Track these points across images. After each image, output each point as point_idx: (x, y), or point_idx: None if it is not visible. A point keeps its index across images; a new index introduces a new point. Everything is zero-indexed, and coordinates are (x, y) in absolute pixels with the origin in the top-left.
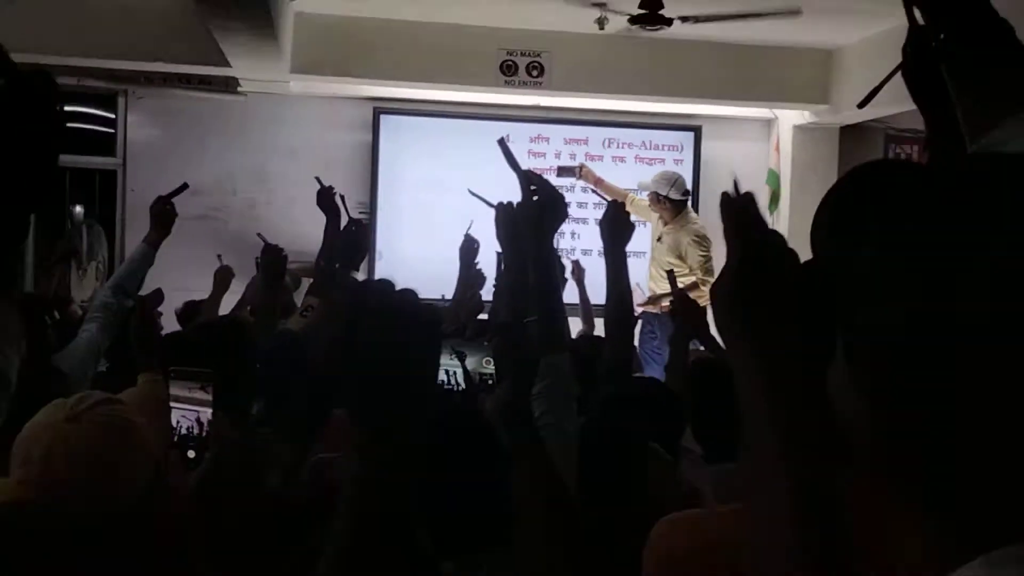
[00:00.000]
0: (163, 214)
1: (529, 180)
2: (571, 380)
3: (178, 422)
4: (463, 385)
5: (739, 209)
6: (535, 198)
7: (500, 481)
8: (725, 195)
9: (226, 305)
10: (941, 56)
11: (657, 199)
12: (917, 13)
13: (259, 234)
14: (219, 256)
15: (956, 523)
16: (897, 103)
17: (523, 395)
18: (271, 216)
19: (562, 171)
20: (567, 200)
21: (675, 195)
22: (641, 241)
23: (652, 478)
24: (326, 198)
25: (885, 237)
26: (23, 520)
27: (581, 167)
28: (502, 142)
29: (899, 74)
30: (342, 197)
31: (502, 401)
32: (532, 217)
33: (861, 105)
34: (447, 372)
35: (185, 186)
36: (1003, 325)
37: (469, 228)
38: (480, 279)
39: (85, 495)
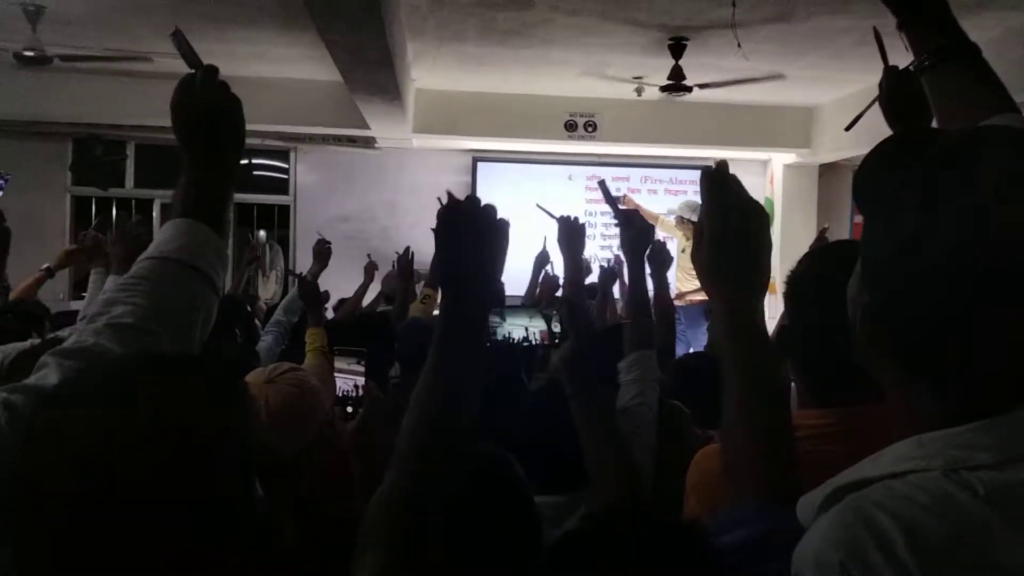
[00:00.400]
0: (323, 252)
1: (625, 215)
2: (657, 370)
3: (340, 387)
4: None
5: (714, 178)
6: (629, 228)
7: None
8: (704, 168)
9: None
10: (922, 71)
11: (683, 221)
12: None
13: (408, 247)
14: (368, 255)
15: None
16: (863, 146)
17: (581, 351)
18: (399, 236)
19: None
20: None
21: (696, 218)
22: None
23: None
24: (321, 248)
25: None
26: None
27: (623, 197)
28: (602, 183)
29: (871, 110)
30: None
31: (565, 354)
32: (628, 243)
33: (848, 128)
34: (527, 330)
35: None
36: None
37: (544, 244)
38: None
39: (279, 436)
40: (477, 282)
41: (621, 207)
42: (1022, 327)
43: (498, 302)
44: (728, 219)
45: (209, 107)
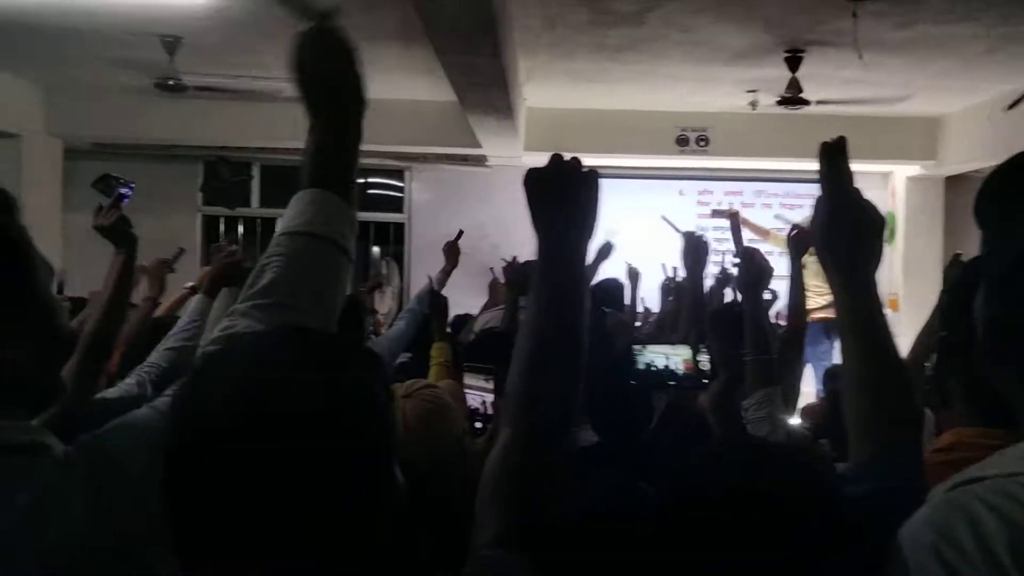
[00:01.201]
0: (453, 250)
1: (747, 252)
2: (783, 407)
3: (469, 403)
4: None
5: (832, 154)
6: (750, 266)
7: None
8: (824, 143)
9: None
10: None
11: None
12: None
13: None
14: (491, 269)
15: None
16: (994, 157)
17: (732, 392)
18: (509, 253)
19: (716, 213)
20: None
21: None
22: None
23: None
24: (451, 247)
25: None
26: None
27: (733, 212)
28: (734, 216)
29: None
30: None
31: (716, 395)
32: (747, 284)
33: (1010, 107)
34: (667, 358)
35: (461, 232)
36: None
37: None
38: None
39: (415, 449)
40: (569, 238)
41: (743, 235)
42: None
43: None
44: (847, 190)
45: (328, 66)
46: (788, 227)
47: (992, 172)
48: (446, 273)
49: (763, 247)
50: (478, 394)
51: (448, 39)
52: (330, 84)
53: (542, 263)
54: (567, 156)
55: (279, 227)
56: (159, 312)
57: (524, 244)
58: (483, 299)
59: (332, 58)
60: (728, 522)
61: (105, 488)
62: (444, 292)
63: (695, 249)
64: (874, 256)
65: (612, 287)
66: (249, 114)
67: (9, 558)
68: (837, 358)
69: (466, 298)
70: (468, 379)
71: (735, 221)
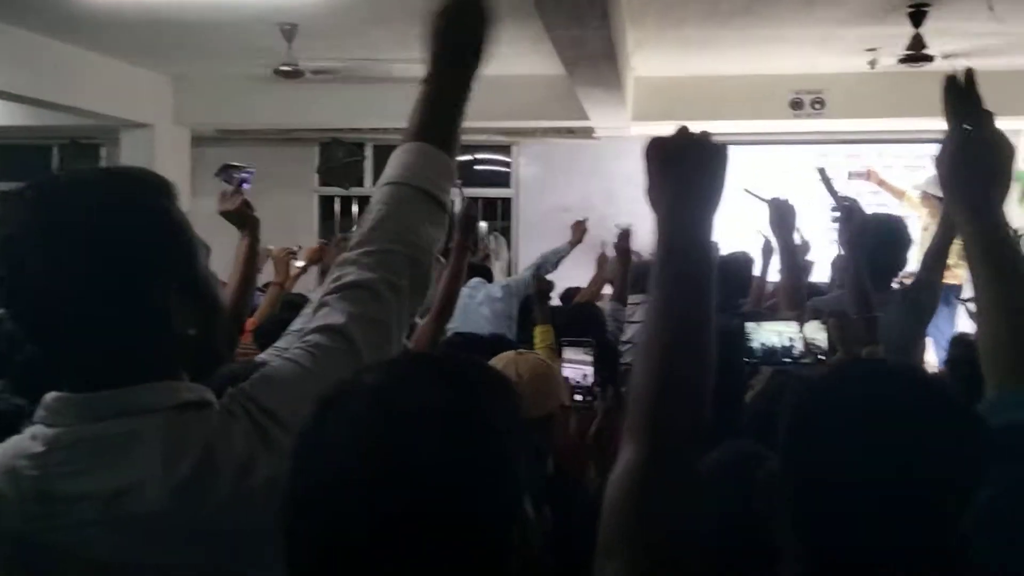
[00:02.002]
0: (580, 227)
1: (847, 209)
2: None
3: (570, 376)
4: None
5: (959, 89)
6: (850, 221)
7: None
8: (950, 77)
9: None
10: None
11: (927, 197)
12: None
13: (616, 224)
14: (603, 243)
15: None
16: None
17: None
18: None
19: (852, 175)
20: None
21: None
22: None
23: None
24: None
25: None
26: None
27: (869, 171)
28: (822, 171)
29: None
30: None
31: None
32: (848, 237)
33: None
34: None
35: (586, 219)
36: None
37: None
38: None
39: (529, 398)
40: (695, 219)
41: (866, 181)
42: None
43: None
44: (973, 124)
45: (461, 24)
46: (920, 190)
47: None
48: (572, 245)
49: (899, 210)
50: (578, 367)
51: (556, 13)
52: (458, 41)
53: (665, 249)
54: (694, 129)
55: (383, 177)
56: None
57: (632, 215)
58: (591, 273)
59: (467, 16)
60: (857, 439)
61: (264, 429)
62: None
63: (782, 216)
64: (1003, 185)
65: (741, 262)
66: (362, 96)
67: (201, 496)
68: (958, 326)
69: (574, 271)
70: (567, 353)
71: (824, 176)
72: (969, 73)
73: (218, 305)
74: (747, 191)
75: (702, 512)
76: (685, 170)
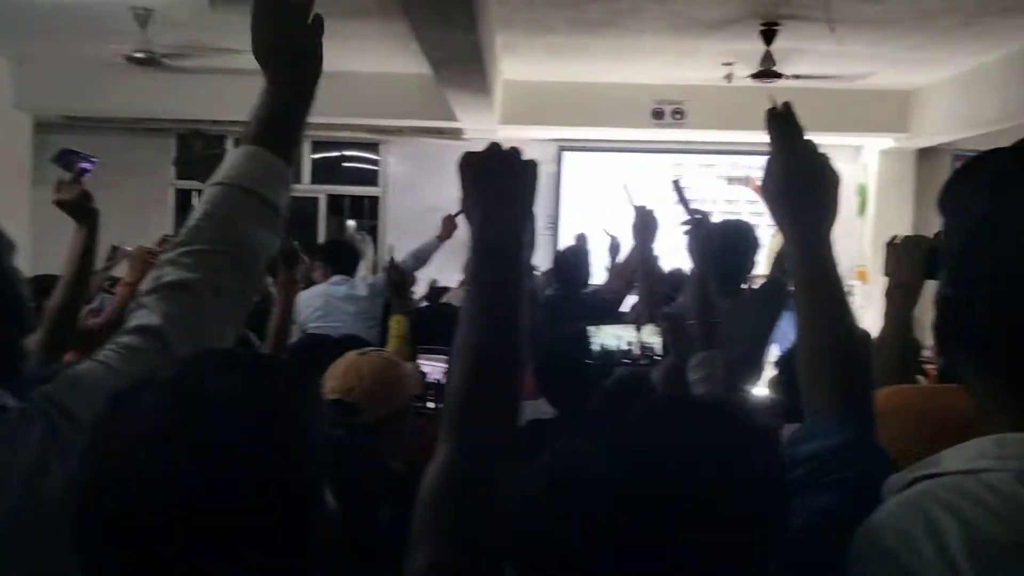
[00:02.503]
0: (451, 222)
1: (697, 220)
2: (723, 367)
3: (430, 373)
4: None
5: (780, 118)
6: (699, 231)
7: None
8: (770, 109)
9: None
10: None
11: None
12: None
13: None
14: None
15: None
16: (963, 130)
17: (683, 366)
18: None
19: (732, 180)
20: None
21: None
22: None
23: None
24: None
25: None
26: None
27: (749, 178)
28: (676, 183)
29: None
30: None
31: (665, 371)
32: (697, 246)
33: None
34: (629, 344)
35: (460, 212)
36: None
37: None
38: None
39: (369, 397)
40: (507, 227)
41: (732, 193)
42: None
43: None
44: (796, 153)
45: (290, 32)
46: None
47: (959, 167)
48: (439, 240)
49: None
50: (435, 364)
51: (424, 14)
52: (290, 49)
53: (476, 257)
54: (506, 146)
55: (212, 178)
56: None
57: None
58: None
59: (294, 23)
60: (664, 479)
61: (60, 433)
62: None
63: (644, 223)
64: (829, 214)
65: (572, 256)
66: (223, 88)
67: None
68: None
69: (441, 272)
70: (423, 361)
71: (678, 188)
72: (787, 105)
73: (21, 304)
74: (625, 188)
75: (511, 510)
76: (495, 183)
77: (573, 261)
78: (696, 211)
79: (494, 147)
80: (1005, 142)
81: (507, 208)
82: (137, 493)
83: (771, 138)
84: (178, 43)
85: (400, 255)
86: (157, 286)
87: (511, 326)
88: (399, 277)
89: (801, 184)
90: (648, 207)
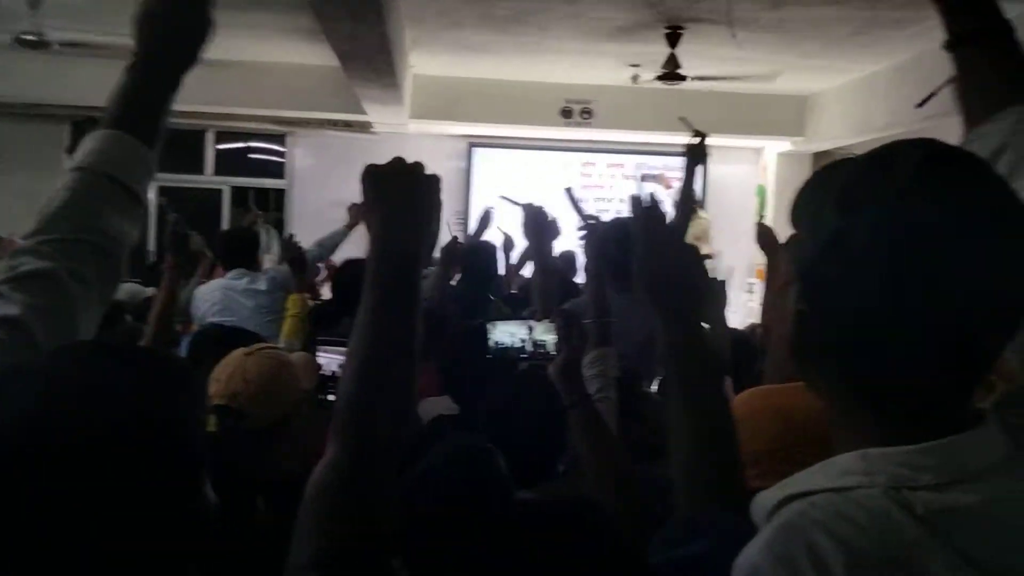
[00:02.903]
0: (358, 211)
1: (589, 225)
2: (616, 364)
3: (326, 366)
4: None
5: (645, 214)
6: (592, 236)
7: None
8: (634, 198)
9: None
10: (953, 46)
11: None
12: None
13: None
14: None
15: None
16: (857, 135)
17: (577, 362)
18: None
19: (646, 178)
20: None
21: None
22: None
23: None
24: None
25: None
26: (220, 419)
27: (662, 175)
28: (568, 191)
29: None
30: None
31: (561, 366)
32: (591, 249)
33: (919, 105)
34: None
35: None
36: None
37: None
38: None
39: (255, 402)
40: (405, 238)
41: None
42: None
43: (427, 254)
44: (663, 254)
45: (175, 14)
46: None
47: (811, 177)
48: (348, 228)
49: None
50: (336, 357)
51: (331, 6)
52: (169, 33)
53: (375, 264)
54: (410, 160)
55: (71, 162)
56: None
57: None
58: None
59: (183, 9)
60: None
61: None
62: (334, 255)
63: (535, 223)
64: (697, 301)
65: (485, 250)
66: (118, 73)
67: None
68: None
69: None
70: (321, 353)
71: (570, 195)
72: (649, 198)
73: None
74: (503, 197)
75: (397, 509)
76: (397, 196)
77: (482, 253)
78: (589, 216)
79: (397, 161)
80: None
81: (407, 220)
82: (4, 483)
83: (637, 237)
84: (71, 26)
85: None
86: (15, 275)
87: (404, 335)
88: (298, 254)
89: (674, 278)
90: (537, 205)
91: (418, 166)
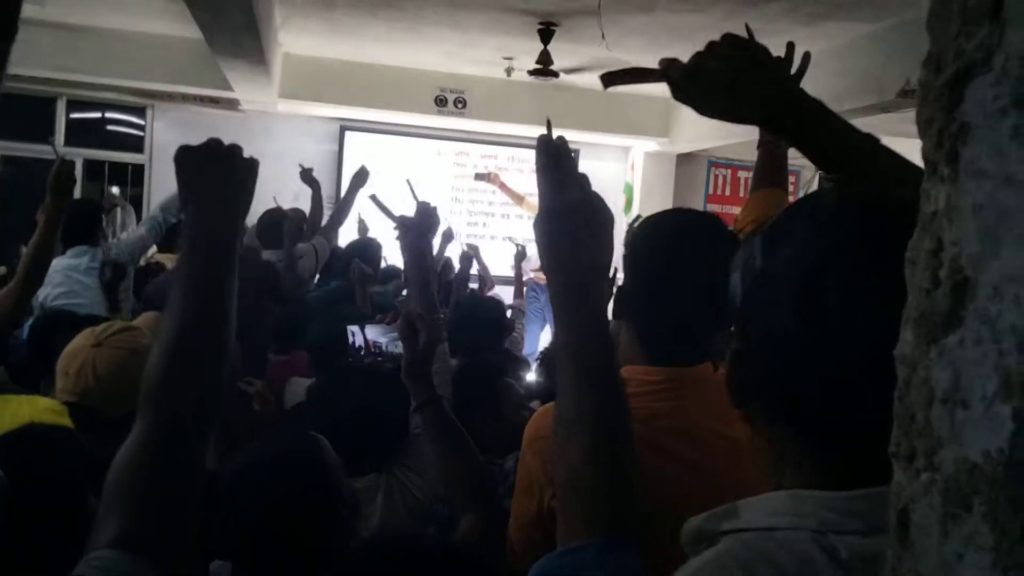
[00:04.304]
0: (310, 176)
1: (402, 222)
2: (449, 362)
3: None
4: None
5: (552, 150)
6: (407, 234)
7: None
8: (541, 136)
9: None
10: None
11: None
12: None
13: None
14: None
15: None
16: (718, 139)
17: (422, 362)
18: (261, 204)
19: (479, 176)
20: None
21: None
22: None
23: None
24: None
25: None
26: (72, 417)
27: (491, 174)
28: (374, 198)
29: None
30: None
31: (405, 366)
32: (408, 246)
33: (605, 84)
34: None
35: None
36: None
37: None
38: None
39: (106, 400)
40: (219, 222)
41: (487, 183)
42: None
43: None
44: (567, 191)
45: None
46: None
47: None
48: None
49: (518, 211)
50: None
51: None
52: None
53: (189, 243)
54: (226, 143)
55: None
56: None
57: (278, 193)
58: None
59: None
60: None
61: None
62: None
63: (423, 221)
64: (608, 252)
65: (363, 250)
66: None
67: None
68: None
69: None
70: None
71: (377, 202)
72: (560, 139)
73: None
74: (408, 183)
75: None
76: (212, 179)
77: (364, 256)
78: (400, 216)
79: (212, 142)
80: (750, 151)
81: (221, 203)
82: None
83: (540, 171)
84: None
85: None
86: None
87: (217, 311)
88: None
89: (578, 222)
90: (430, 204)
91: (235, 149)
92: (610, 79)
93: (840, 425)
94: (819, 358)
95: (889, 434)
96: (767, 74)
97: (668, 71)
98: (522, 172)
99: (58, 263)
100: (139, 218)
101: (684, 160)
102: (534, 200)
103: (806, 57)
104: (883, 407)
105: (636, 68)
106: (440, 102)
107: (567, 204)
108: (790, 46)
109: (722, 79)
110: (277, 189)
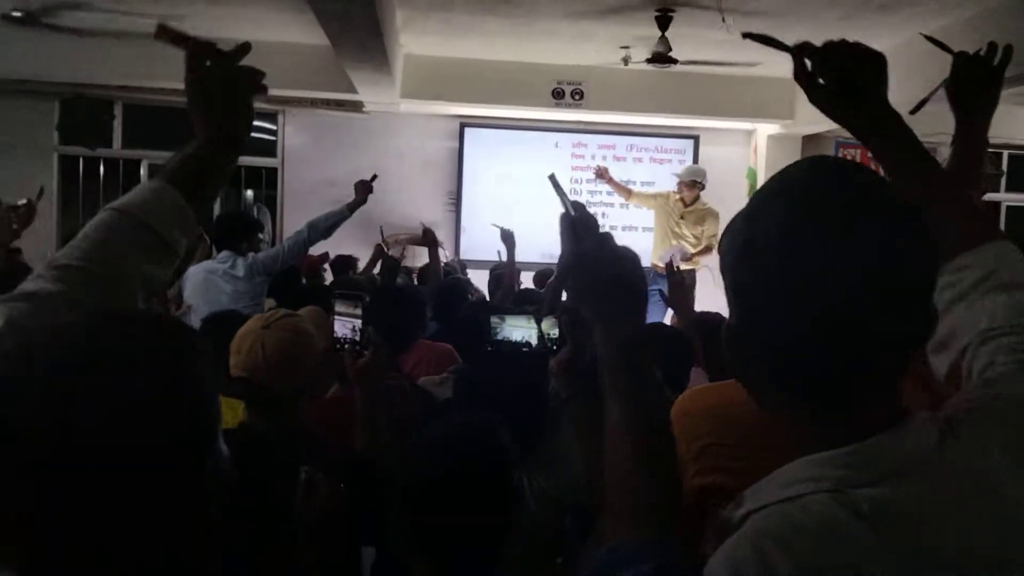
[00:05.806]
0: (365, 187)
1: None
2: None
3: (338, 330)
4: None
5: (573, 220)
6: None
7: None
8: (562, 215)
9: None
10: None
11: (694, 185)
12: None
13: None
14: (381, 228)
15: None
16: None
17: (579, 357)
18: (386, 201)
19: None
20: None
21: (705, 183)
22: (643, 218)
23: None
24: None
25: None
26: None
27: (598, 168)
28: (552, 177)
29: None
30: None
31: (563, 360)
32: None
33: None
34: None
35: (375, 176)
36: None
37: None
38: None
39: (274, 377)
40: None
41: (571, 198)
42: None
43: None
44: (595, 261)
45: (226, 82)
46: (679, 180)
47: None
48: (351, 209)
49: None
50: (348, 320)
51: None
52: (223, 102)
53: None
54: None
55: (112, 203)
56: None
57: (401, 191)
58: (367, 243)
59: (229, 76)
60: None
61: None
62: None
63: (584, 224)
64: (636, 305)
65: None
66: (109, 51)
67: None
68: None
69: (342, 247)
70: (338, 306)
71: (554, 182)
72: (578, 205)
73: None
74: (552, 179)
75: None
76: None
77: (450, 299)
78: (575, 204)
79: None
80: None
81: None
82: (37, 436)
83: (564, 243)
84: (60, 3)
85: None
86: (11, 295)
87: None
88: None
89: (609, 277)
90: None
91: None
92: (749, 35)
93: (831, 385)
94: (799, 318)
95: (877, 385)
96: (885, 89)
97: (801, 52)
98: (641, 161)
99: (203, 265)
100: (274, 219)
101: (810, 142)
102: (643, 191)
103: (1006, 50)
104: (864, 361)
105: (775, 39)
106: (557, 95)
107: (582, 257)
108: (991, 46)
109: (850, 80)
110: (399, 187)
